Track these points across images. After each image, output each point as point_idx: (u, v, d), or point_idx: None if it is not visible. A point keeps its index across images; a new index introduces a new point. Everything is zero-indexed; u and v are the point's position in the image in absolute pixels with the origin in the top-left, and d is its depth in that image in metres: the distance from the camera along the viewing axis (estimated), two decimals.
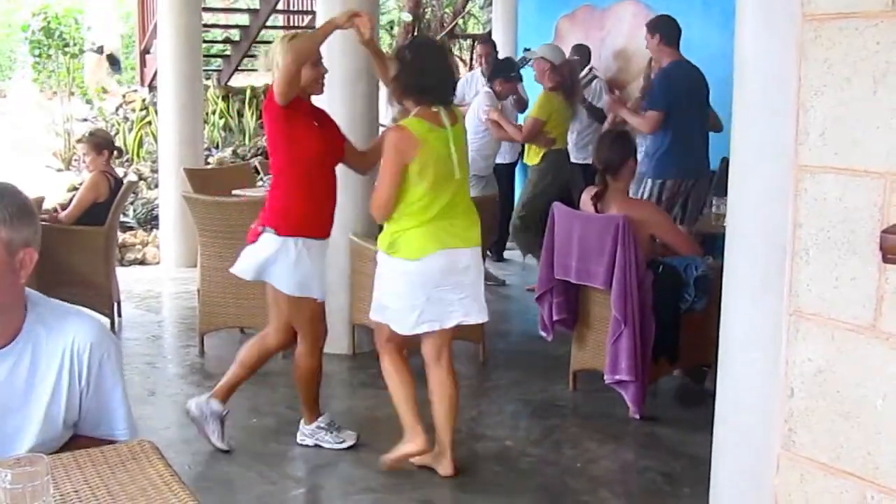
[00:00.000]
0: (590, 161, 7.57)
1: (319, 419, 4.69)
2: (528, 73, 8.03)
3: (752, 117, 2.90)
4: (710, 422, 3.18)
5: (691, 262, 5.03)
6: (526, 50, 8.32)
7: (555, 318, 5.27)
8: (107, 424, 2.38)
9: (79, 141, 7.35)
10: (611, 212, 5.01)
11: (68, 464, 2.12)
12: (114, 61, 14.32)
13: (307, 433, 4.69)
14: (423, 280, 4.07)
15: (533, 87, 8.11)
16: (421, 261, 4.06)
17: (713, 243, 5.80)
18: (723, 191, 5.10)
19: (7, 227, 2.13)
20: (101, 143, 6.75)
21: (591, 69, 8.13)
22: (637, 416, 4.99)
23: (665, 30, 6.62)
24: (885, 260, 1.75)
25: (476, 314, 4.22)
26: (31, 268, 2.18)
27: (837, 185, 1.86)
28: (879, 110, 1.78)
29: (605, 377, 4.98)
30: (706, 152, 6.75)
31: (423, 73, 4.09)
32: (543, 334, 5.42)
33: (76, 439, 2.34)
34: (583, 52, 8.24)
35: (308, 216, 4.34)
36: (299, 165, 4.30)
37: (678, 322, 5.05)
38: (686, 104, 6.49)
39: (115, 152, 6.94)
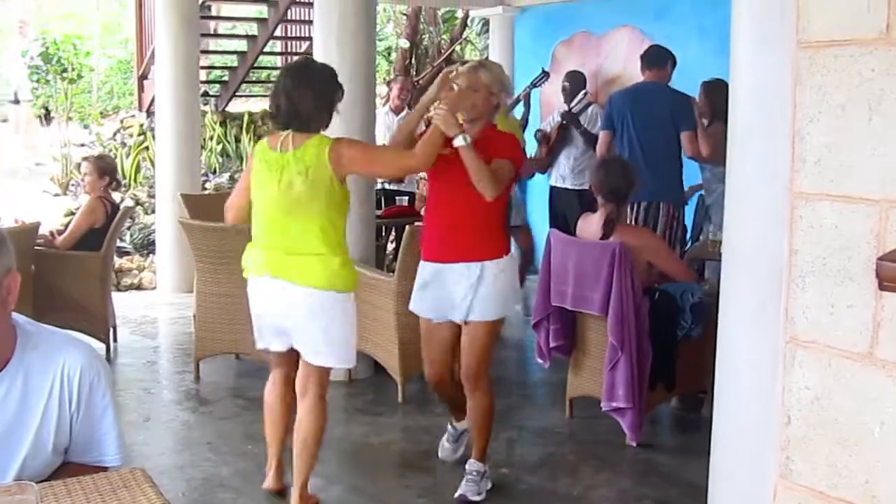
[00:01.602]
0: (586, 187, 7.58)
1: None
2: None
3: (747, 144, 2.91)
4: (707, 449, 3.17)
5: (688, 289, 5.02)
6: (543, 71, 8.38)
7: (552, 344, 5.26)
8: (97, 449, 2.35)
9: (84, 159, 7.34)
10: (610, 238, 5.00)
11: (59, 492, 2.10)
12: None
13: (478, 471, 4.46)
14: (251, 300, 4.14)
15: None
16: (248, 280, 4.13)
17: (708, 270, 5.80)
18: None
19: None
20: (105, 169, 6.75)
21: (585, 94, 8.15)
22: (634, 444, 4.97)
23: (645, 55, 6.97)
24: (882, 287, 1.74)
25: (312, 355, 4.04)
26: (16, 292, 2.14)
27: (833, 212, 1.85)
28: (874, 137, 1.78)
29: (602, 404, 4.96)
30: (665, 174, 6.64)
31: (273, 96, 4.07)
32: (540, 361, 5.41)
33: (66, 466, 2.32)
34: (576, 78, 8.25)
35: None
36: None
37: (675, 349, 5.04)
38: (629, 124, 6.63)
39: (115, 182, 6.90)
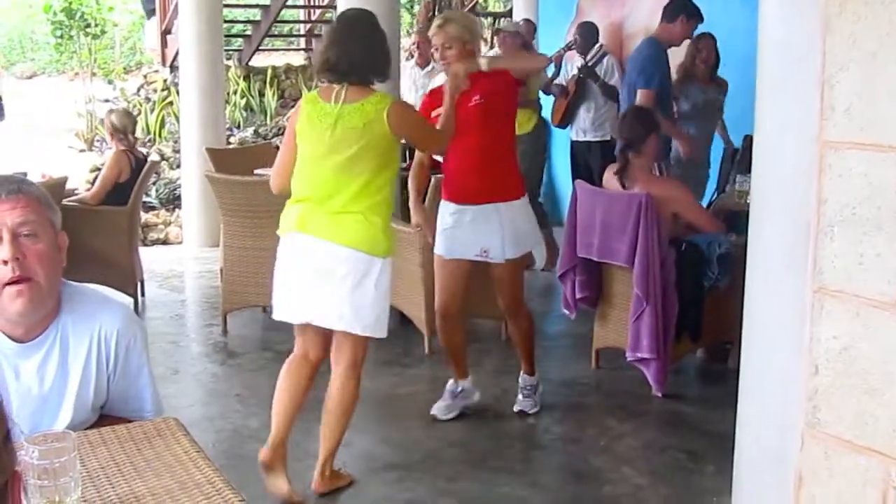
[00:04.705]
0: (608, 138, 7.54)
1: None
2: None
3: (775, 93, 2.88)
4: (733, 399, 3.17)
5: (714, 240, 5.01)
6: (575, 35, 8.25)
7: (578, 295, 5.27)
8: (134, 406, 2.41)
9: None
10: (635, 189, 4.99)
11: (94, 440, 2.14)
12: None
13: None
14: (279, 260, 3.91)
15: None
16: (281, 238, 3.90)
17: (736, 220, 5.78)
18: (746, 168, 5.09)
19: (49, 207, 2.19)
20: (107, 125, 6.82)
21: (600, 47, 8.01)
22: (659, 394, 4.99)
23: (664, 7, 6.60)
24: None
25: (336, 319, 3.82)
26: (65, 250, 2.24)
27: (863, 160, 1.84)
28: None
29: (628, 355, 4.98)
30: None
31: (325, 49, 3.89)
32: (567, 312, 5.43)
33: (102, 420, 2.37)
34: (588, 30, 8.12)
35: None
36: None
37: (701, 300, 5.04)
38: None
39: (122, 134, 6.78)
